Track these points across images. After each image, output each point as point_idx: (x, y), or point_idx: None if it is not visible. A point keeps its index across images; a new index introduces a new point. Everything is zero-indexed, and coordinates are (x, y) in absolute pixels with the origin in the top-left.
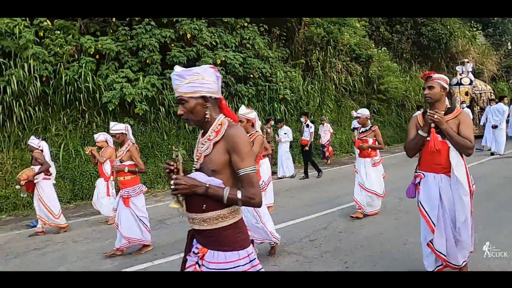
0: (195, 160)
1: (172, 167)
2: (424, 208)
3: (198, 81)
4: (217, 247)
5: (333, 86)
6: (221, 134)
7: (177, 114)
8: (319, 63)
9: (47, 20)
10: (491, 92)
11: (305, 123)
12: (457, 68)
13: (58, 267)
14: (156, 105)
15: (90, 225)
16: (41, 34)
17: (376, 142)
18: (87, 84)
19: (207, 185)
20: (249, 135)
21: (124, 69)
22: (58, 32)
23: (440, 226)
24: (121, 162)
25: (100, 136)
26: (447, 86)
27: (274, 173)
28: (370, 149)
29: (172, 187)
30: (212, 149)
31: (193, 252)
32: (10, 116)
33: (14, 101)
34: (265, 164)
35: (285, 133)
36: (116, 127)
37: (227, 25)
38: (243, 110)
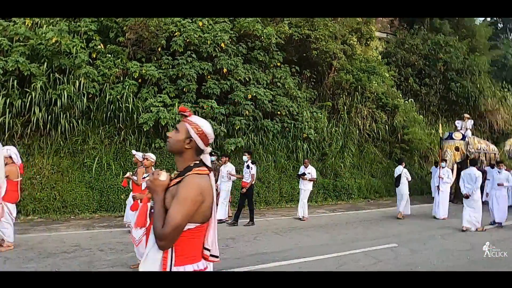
0: None
1: None
2: None
3: None
4: None
5: (357, 131)
6: None
7: None
8: (345, 107)
9: (101, 44)
10: (495, 153)
11: (246, 163)
12: (456, 123)
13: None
14: None
15: (114, 236)
16: (94, 56)
17: None
18: (127, 105)
19: None
20: None
21: (162, 95)
22: (109, 55)
23: None
24: None
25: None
26: (196, 137)
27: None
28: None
29: None
30: None
31: None
32: (55, 126)
33: (61, 113)
34: None
35: (227, 171)
36: None
37: (261, 63)
38: None
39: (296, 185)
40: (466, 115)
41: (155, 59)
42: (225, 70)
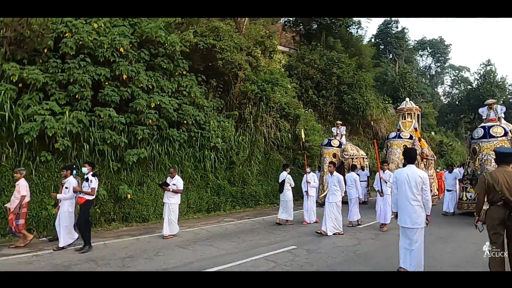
0: None
1: None
2: None
3: None
4: None
5: (263, 139)
6: None
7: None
8: (251, 116)
9: None
10: (363, 158)
11: (86, 175)
12: (332, 129)
13: None
14: (80, 141)
15: None
16: None
17: None
18: (3, 113)
19: None
20: None
21: (49, 101)
22: None
23: None
24: None
25: None
26: None
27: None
28: None
29: None
30: None
31: None
32: None
33: None
34: None
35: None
36: None
37: (166, 71)
38: None
39: (204, 195)
40: (339, 122)
41: (40, 61)
42: (125, 76)
